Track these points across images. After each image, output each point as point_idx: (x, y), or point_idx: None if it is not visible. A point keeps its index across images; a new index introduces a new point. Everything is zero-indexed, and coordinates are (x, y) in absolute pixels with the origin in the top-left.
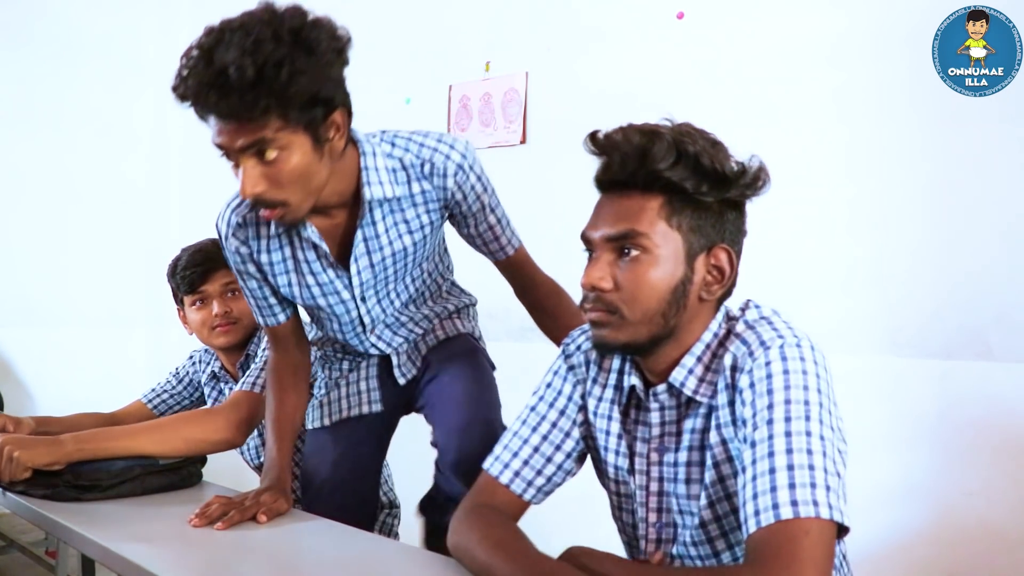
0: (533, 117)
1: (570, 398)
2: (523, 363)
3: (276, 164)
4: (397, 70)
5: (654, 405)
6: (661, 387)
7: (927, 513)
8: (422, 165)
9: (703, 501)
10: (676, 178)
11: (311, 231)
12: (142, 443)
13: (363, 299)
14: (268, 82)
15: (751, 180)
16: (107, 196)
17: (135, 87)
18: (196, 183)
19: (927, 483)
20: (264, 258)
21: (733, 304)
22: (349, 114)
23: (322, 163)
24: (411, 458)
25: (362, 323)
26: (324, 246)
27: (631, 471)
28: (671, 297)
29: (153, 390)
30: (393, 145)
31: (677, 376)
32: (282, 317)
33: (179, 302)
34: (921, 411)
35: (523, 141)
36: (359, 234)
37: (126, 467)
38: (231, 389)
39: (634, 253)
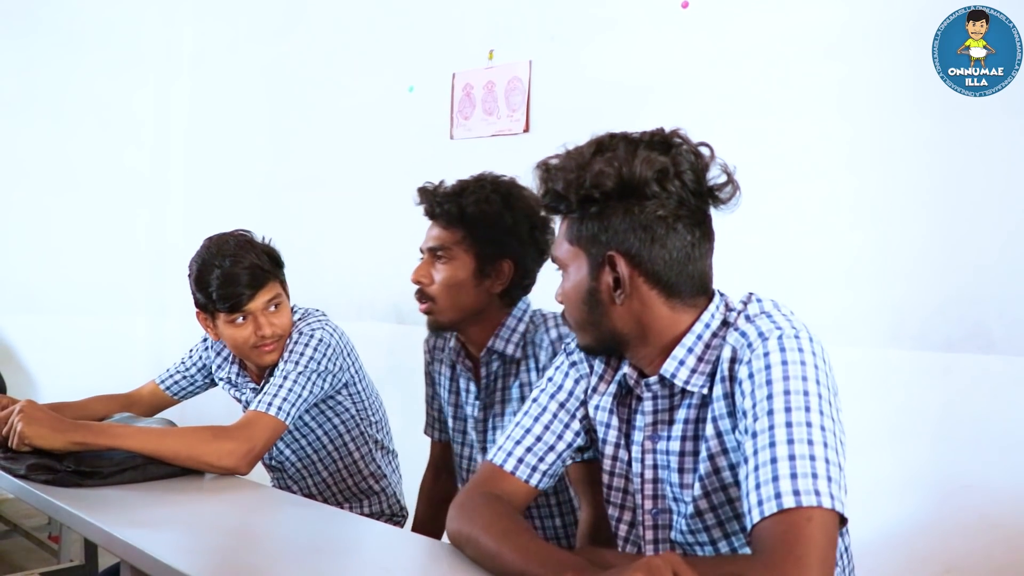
0: (536, 106)
1: (571, 392)
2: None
3: None
4: (400, 58)
5: (647, 395)
6: (653, 379)
7: (927, 506)
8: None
9: (698, 492)
10: (551, 203)
11: None
12: (146, 447)
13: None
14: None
15: (609, 188)
16: (109, 185)
17: (137, 76)
18: (198, 172)
19: (927, 476)
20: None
21: (736, 296)
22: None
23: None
24: (417, 462)
25: None
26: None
27: (630, 462)
28: (584, 308)
29: (168, 371)
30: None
31: (668, 367)
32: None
33: (206, 311)
34: (922, 404)
35: (526, 130)
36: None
37: (128, 456)
38: (253, 390)
39: (562, 271)
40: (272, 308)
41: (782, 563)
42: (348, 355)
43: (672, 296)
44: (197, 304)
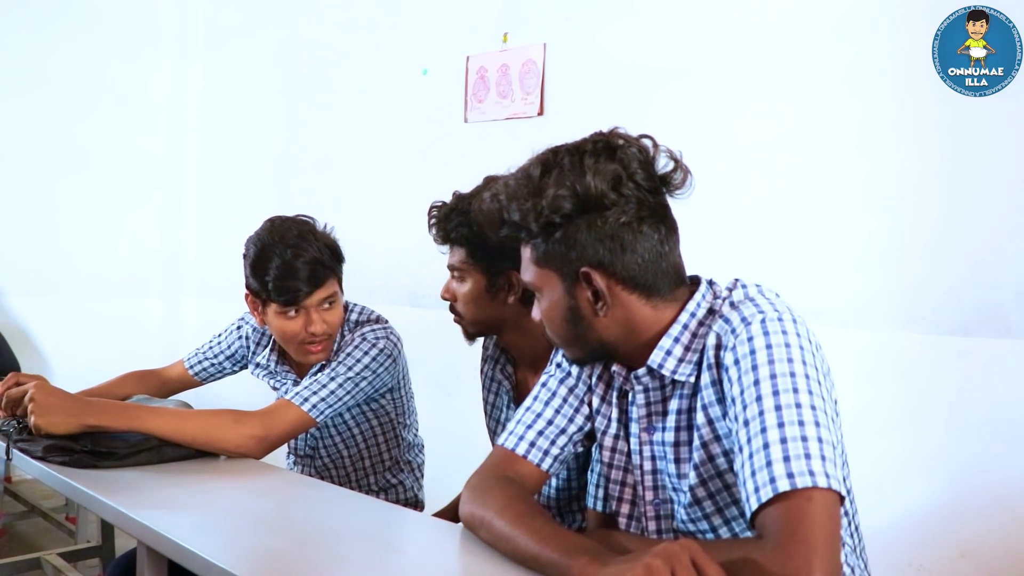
0: (551, 89)
1: (579, 378)
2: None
3: None
4: (414, 41)
5: (638, 388)
6: (641, 371)
7: (942, 489)
8: None
9: (694, 480)
10: (512, 233)
11: None
12: (162, 430)
13: None
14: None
15: (569, 210)
16: (123, 167)
17: (151, 58)
18: (212, 155)
19: (943, 460)
20: None
21: (723, 282)
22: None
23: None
24: (441, 452)
25: None
26: None
27: (629, 453)
28: (568, 325)
29: (195, 355)
30: None
31: (655, 359)
32: None
33: (258, 297)
34: (938, 388)
35: (540, 113)
36: None
37: (144, 437)
38: (295, 383)
39: (536, 293)
40: (326, 305)
41: (788, 544)
42: (402, 362)
43: (652, 296)
44: (248, 288)
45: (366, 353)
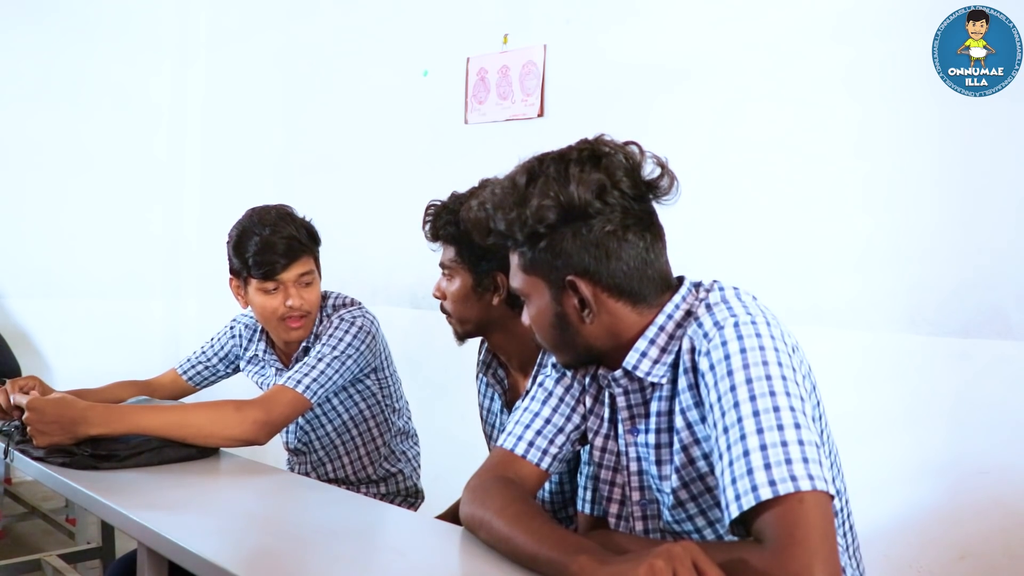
0: (551, 90)
1: (574, 378)
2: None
3: None
4: (414, 42)
5: (617, 390)
6: (618, 372)
7: (942, 491)
8: None
9: (676, 483)
10: (498, 242)
11: None
12: (166, 429)
13: None
14: None
15: (553, 220)
16: (125, 169)
17: (153, 61)
18: (213, 157)
19: (943, 461)
20: None
21: (705, 282)
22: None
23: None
24: (442, 453)
25: None
26: None
27: (618, 453)
28: (555, 331)
29: (188, 360)
30: None
31: (630, 360)
32: None
33: (239, 277)
34: (939, 389)
35: (541, 114)
36: None
37: (144, 439)
38: (278, 372)
39: (524, 299)
40: (304, 283)
41: (788, 547)
42: (382, 342)
43: (639, 303)
44: (232, 270)
45: (347, 332)
